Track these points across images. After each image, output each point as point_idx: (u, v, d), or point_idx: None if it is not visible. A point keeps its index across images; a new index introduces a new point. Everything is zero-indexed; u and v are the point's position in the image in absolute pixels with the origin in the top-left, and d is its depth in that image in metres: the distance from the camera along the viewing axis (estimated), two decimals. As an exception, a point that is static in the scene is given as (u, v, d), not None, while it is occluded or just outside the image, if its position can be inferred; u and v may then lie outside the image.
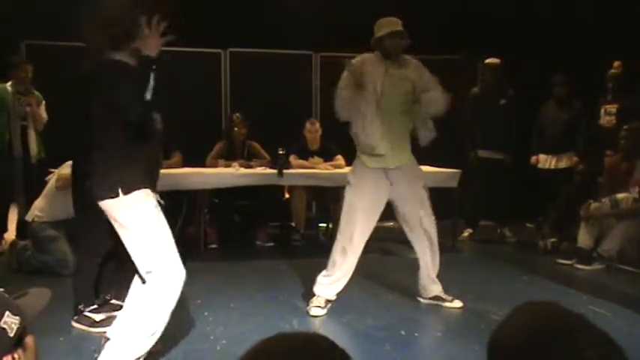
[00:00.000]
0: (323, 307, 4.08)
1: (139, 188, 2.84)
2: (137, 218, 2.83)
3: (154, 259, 2.82)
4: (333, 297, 4.14)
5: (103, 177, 2.86)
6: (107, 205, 2.85)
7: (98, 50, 3.04)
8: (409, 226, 4.18)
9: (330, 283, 4.11)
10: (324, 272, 4.14)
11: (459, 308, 4.21)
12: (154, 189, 2.97)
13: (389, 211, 4.25)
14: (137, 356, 2.87)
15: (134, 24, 2.95)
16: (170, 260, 2.85)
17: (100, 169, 2.88)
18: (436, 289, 4.28)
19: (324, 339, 0.98)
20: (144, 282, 2.85)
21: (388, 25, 4.03)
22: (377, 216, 4.11)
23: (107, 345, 2.87)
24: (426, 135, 4.12)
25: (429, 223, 4.16)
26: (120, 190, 2.80)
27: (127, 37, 2.97)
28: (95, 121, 2.95)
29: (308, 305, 4.12)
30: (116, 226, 2.87)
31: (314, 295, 4.14)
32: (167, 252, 2.85)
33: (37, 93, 6.08)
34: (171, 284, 2.85)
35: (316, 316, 4.03)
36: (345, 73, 4.07)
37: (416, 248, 4.22)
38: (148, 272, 2.83)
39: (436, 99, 4.05)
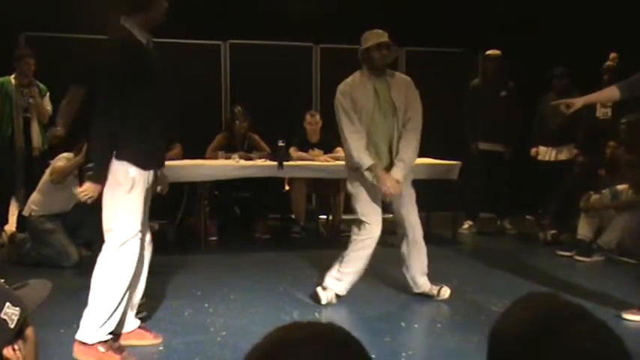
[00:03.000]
0: (327, 298, 4.08)
1: (132, 162, 3.05)
2: (117, 181, 3.05)
3: (118, 222, 3.07)
4: (343, 292, 4.14)
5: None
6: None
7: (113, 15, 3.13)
8: (397, 221, 4.19)
9: (340, 278, 4.12)
10: (335, 270, 4.12)
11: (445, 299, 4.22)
12: (152, 167, 3.18)
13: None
14: (108, 324, 3.10)
15: None
16: (131, 229, 3.08)
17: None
18: (424, 284, 4.26)
19: (340, 329, 0.96)
20: (104, 240, 3.10)
21: (374, 37, 4.02)
22: (380, 210, 4.12)
23: (85, 312, 3.12)
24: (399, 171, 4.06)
25: (415, 220, 4.15)
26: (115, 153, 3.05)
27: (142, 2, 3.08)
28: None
29: (316, 289, 4.12)
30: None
31: (325, 286, 4.13)
32: (131, 220, 3.08)
33: (41, 85, 6.07)
34: (126, 251, 3.08)
35: (318, 301, 4.04)
36: (338, 100, 4.06)
37: (401, 244, 4.20)
38: (108, 230, 3.08)
39: (409, 146, 4.05)
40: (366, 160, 3.92)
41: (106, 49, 3.16)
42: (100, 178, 3.06)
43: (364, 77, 4.06)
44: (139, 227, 3.14)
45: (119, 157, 3.06)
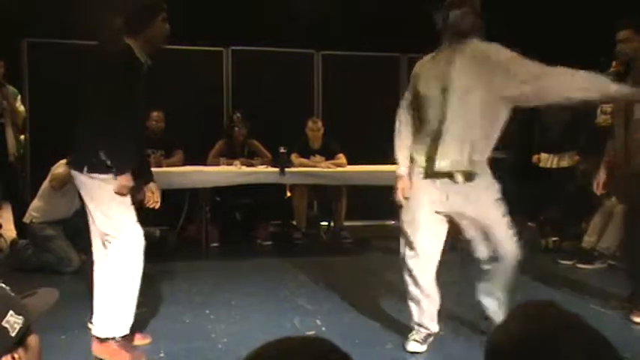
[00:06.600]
0: (422, 343, 3.47)
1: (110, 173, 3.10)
2: (104, 196, 3.11)
3: (115, 229, 3.13)
4: (436, 329, 3.53)
5: (87, 151, 3.11)
6: (79, 177, 3.15)
7: (114, 33, 3.20)
8: (474, 239, 3.44)
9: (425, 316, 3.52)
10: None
11: None
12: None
13: (390, 210, 4.22)
14: (122, 321, 3.17)
15: (151, 11, 3.16)
16: (129, 230, 3.15)
17: (88, 143, 3.12)
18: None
19: (325, 341, 0.98)
20: (105, 248, 3.18)
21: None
22: (439, 234, 3.44)
23: (94, 319, 3.20)
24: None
25: (501, 235, 3.33)
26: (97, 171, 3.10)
27: (142, 22, 3.15)
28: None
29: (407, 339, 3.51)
30: (85, 197, 3.19)
31: (413, 328, 3.54)
32: (127, 222, 3.15)
33: (11, 88, 6.00)
34: (131, 249, 3.15)
35: (416, 352, 3.44)
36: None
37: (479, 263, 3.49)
38: (108, 240, 3.15)
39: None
40: (401, 162, 3.44)
41: (111, 54, 3.20)
42: (126, 167, 3.11)
43: (435, 53, 3.42)
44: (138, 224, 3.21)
45: (103, 172, 3.11)
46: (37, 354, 1.34)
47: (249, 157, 6.44)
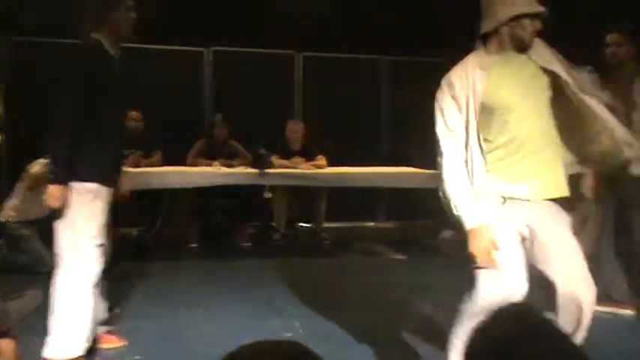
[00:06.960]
0: None
1: (87, 181, 2.96)
2: (71, 206, 2.93)
3: (68, 247, 2.96)
4: None
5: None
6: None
7: (85, 30, 3.14)
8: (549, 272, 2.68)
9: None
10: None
11: None
12: (109, 183, 3.08)
13: (369, 211, 4.22)
14: (70, 341, 2.96)
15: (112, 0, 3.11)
16: (84, 255, 2.96)
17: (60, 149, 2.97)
18: None
19: (298, 345, 0.99)
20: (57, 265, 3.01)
21: (525, 2, 2.60)
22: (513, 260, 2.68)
23: (46, 340, 2.95)
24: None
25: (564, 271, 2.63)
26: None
27: (105, 13, 3.10)
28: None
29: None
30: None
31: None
32: (84, 245, 2.95)
33: None
34: (77, 279, 2.96)
35: None
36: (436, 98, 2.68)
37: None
38: (59, 257, 2.99)
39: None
40: (469, 214, 2.56)
41: (72, 52, 3.22)
42: (62, 176, 2.91)
43: (482, 59, 2.71)
44: (101, 237, 3.03)
45: (73, 179, 2.93)
46: (13, 358, 1.32)
47: (230, 158, 6.41)
